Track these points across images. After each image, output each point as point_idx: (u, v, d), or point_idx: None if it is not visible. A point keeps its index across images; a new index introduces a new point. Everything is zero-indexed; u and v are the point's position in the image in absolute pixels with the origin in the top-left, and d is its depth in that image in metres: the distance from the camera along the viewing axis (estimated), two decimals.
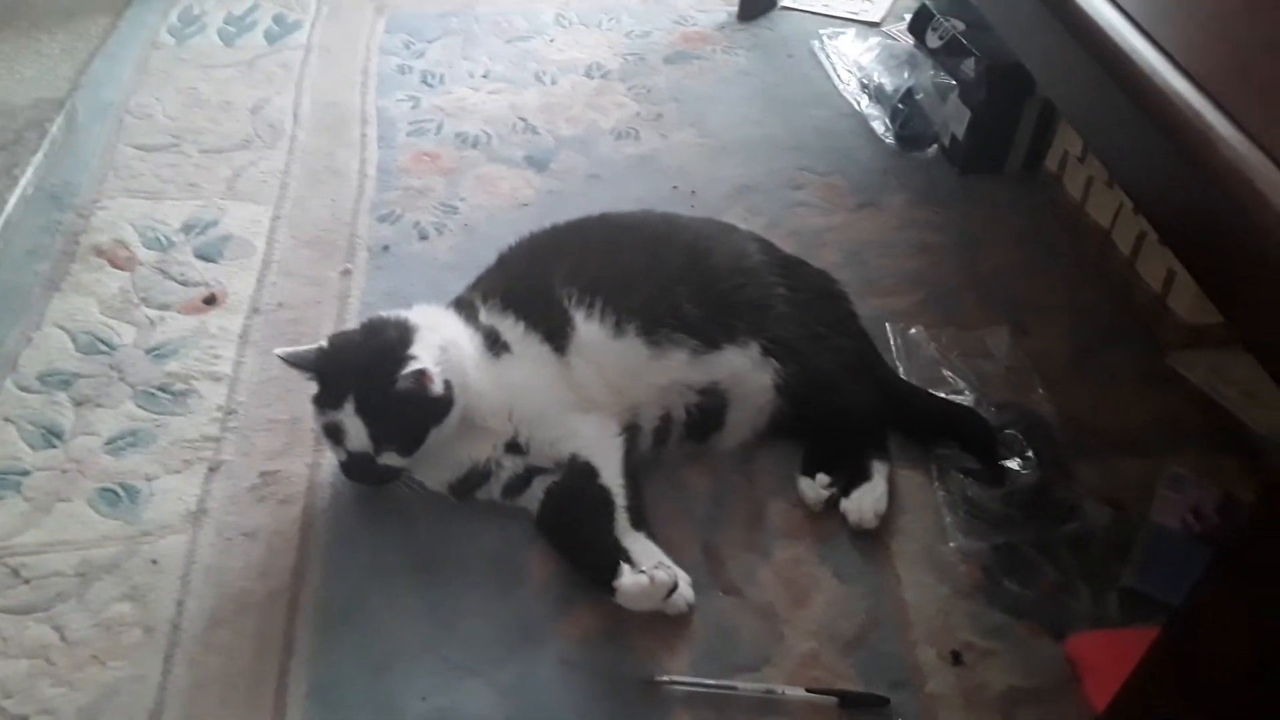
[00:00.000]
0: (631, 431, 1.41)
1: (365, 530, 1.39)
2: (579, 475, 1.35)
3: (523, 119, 2.21)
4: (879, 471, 1.40)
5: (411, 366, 1.28)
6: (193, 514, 1.40)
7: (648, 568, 1.25)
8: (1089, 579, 1.31)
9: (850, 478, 1.40)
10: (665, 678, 1.20)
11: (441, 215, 1.94)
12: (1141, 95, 0.97)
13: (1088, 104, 1.15)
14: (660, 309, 1.43)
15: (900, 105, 2.14)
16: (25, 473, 1.44)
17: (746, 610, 1.29)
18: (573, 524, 1.34)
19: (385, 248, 1.86)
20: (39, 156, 1.99)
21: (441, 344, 1.36)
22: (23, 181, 1.92)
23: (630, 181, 2.01)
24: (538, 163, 2.08)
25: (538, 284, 1.47)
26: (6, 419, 1.51)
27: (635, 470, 1.38)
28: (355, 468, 1.34)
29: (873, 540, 1.37)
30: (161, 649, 1.24)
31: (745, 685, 1.19)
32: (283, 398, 1.57)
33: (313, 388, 1.36)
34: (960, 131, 2.02)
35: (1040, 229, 1.92)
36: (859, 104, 2.23)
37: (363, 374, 1.31)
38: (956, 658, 1.24)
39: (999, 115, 1.98)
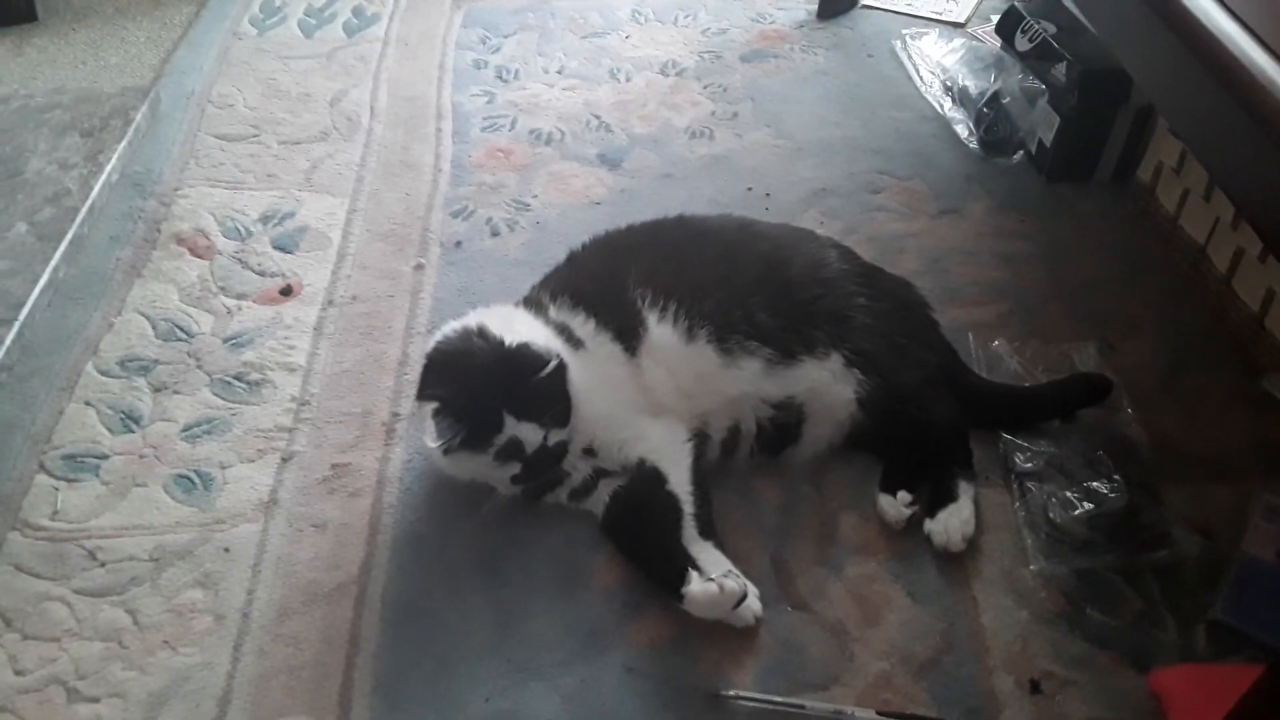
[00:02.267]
0: (699, 439, 1.39)
1: (432, 529, 1.39)
2: (647, 480, 1.33)
3: (596, 116, 2.19)
4: (965, 492, 1.36)
5: (540, 354, 1.28)
6: (265, 504, 1.41)
7: (717, 576, 1.22)
8: (1176, 610, 1.25)
9: (935, 497, 1.36)
10: (732, 692, 1.18)
11: (513, 212, 1.94)
12: (1255, 103, 0.92)
13: (1195, 111, 1.09)
14: (734, 316, 1.41)
15: (985, 109, 2.08)
16: (104, 456, 1.46)
17: (816, 626, 1.26)
18: (639, 529, 1.32)
19: (458, 243, 1.87)
20: (124, 144, 2.03)
21: (518, 326, 1.36)
22: (108, 168, 1.96)
23: (703, 182, 1.99)
24: (610, 161, 2.07)
25: (610, 283, 1.45)
26: (87, 402, 1.54)
27: (704, 478, 1.36)
28: (535, 467, 1.31)
29: (950, 560, 1.33)
30: (231, 637, 1.26)
31: (814, 704, 1.17)
32: (355, 391, 1.58)
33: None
34: (1048, 138, 1.96)
35: (1130, 241, 1.85)
36: (941, 107, 2.17)
37: (502, 391, 1.27)
38: (1035, 686, 1.20)
39: (1090, 122, 1.91)
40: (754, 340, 1.40)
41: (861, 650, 1.24)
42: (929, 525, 1.34)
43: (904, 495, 1.35)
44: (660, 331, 1.40)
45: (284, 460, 1.47)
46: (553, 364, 1.27)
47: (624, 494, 1.35)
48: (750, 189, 1.96)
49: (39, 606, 1.28)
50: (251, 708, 1.18)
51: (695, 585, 1.22)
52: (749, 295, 1.43)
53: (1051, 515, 1.34)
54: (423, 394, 1.34)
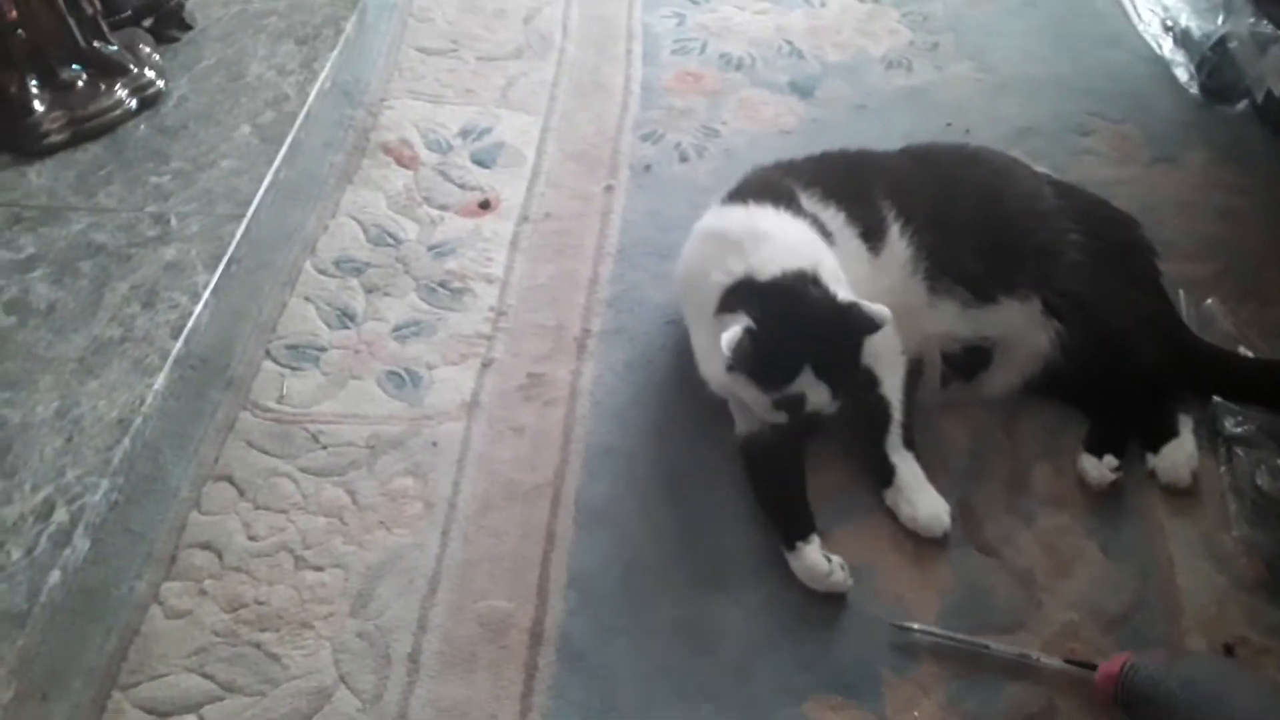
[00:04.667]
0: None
1: (621, 441, 1.45)
2: (860, 380, 1.33)
3: (789, 42, 2.16)
4: (1185, 426, 1.33)
5: (870, 318, 1.24)
6: (467, 405, 1.50)
7: (836, 562, 1.24)
8: None
9: (1155, 434, 1.34)
10: (916, 626, 1.20)
11: (702, 138, 1.95)
12: None
13: None
14: (946, 256, 1.40)
15: (1209, 53, 1.95)
16: (323, 349, 1.58)
17: (1003, 572, 1.27)
18: (781, 471, 1.35)
19: (647, 167, 1.89)
20: (335, 53, 2.12)
21: (830, 272, 1.30)
22: (321, 75, 2.05)
23: (899, 115, 1.95)
24: (802, 89, 2.04)
25: (859, 185, 1.45)
26: (307, 298, 1.65)
27: (913, 389, 1.37)
28: (803, 422, 1.29)
29: (1146, 519, 1.30)
30: (439, 524, 1.35)
31: (998, 646, 1.18)
32: (549, 305, 1.65)
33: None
34: (1279, 88, 1.82)
35: None
36: (1160, 47, 2.05)
37: (814, 347, 1.24)
38: (1229, 650, 1.18)
39: None
40: (958, 284, 1.39)
41: (1050, 599, 1.24)
42: (1152, 462, 1.32)
43: (1110, 459, 1.32)
44: (898, 246, 1.40)
45: (484, 366, 1.55)
46: (878, 329, 1.24)
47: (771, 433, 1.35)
48: (949, 124, 1.91)
49: (269, 480, 1.40)
50: (458, 588, 1.28)
51: (811, 551, 1.25)
52: (963, 235, 1.41)
53: (1259, 482, 1.29)
54: (746, 308, 1.25)
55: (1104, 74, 2.02)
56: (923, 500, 1.29)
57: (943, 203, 1.45)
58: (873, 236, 1.40)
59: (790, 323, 1.24)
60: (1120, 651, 1.15)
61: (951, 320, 1.39)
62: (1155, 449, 1.33)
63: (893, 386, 1.35)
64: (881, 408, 1.34)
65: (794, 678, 1.18)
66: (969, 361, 1.42)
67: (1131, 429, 1.37)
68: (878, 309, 1.24)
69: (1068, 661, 1.16)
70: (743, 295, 1.28)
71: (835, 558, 1.25)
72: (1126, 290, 1.42)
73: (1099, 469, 1.33)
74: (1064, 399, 1.42)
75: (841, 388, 1.26)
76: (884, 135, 1.85)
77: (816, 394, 1.25)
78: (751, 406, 1.31)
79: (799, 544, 1.25)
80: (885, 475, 1.32)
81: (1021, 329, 1.39)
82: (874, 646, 1.20)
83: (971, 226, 1.42)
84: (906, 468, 1.32)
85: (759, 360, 1.22)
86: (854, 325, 1.25)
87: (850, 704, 1.15)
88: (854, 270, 1.36)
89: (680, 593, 1.27)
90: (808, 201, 1.42)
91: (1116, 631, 1.21)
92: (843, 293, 1.26)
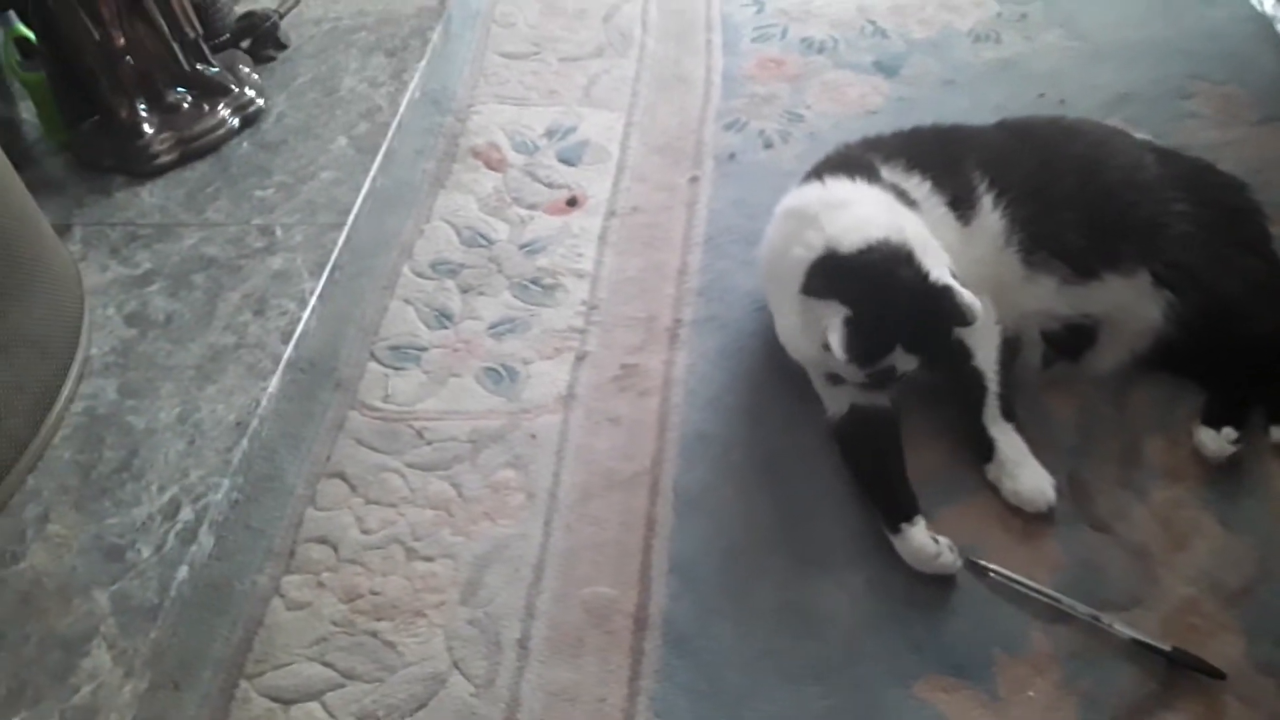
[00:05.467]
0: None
1: (716, 428, 1.46)
2: (953, 352, 1.31)
3: (871, 22, 2.14)
4: None
5: (963, 304, 1.22)
6: (564, 397, 1.52)
7: (944, 543, 1.22)
8: None
9: (1278, 406, 1.29)
10: (993, 568, 1.20)
11: (786, 123, 1.94)
12: None
13: None
14: (1044, 231, 1.36)
15: None
16: (423, 349, 1.62)
17: (1117, 548, 1.23)
18: (879, 451, 1.33)
19: (731, 155, 1.89)
20: (423, 63, 2.18)
21: (917, 238, 1.28)
22: (411, 85, 2.11)
23: (990, 88, 1.90)
24: (887, 68, 2.02)
25: (948, 157, 1.43)
26: (406, 300, 1.70)
27: (1009, 360, 1.35)
28: (884, 383, 1.30)
29: (1266, 490, 1.25)
30: (541, 514, 1.38)
31: (1070, 602, 1.17)
32: (639, 297, 1.66)
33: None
34: None
35: None
36: (1261, 4, 1.96)
37: (909, 326, 1.24)
38: None
39: None
40: (1056, 258, 1.35)
41: (1166, 574, 1.20)
42: (1277, 434, 1.28)
43: (1230, 431, 1.28)
44: (991, 218, 1.38)
45: (578, 359, 1.58)
46: (972, 313, 1.21)
47: (864, 412, 1.35)
48: (1043, 95, 1.86)
49: (378, 476, 1.45)
50: (563, 576, 1.30)
51: (918, 533, 1.23)
52: (1062, 209, 1.38)
53: None
54: (838, 293, 1.24)
55: (1203, 34, 1.94)
56: (1025, 473, 1.27)
57: (1040, 176, 1.41)
58: (962, 205, 1.38)
59: (884, 306, 1.23)
60: (1241, 626, 1.10)
61: (1050, 297, 1.36)
62: (1279, 420, 1.27)
63: (987, 358, 1.32)
64: (977, 380, 1.32)
65: (903, 659, 1.17)
66: (1073, 340, 1.38)
67: (1252, 399, 1.31)
68: (970, 300, 1.21)
69: (1139, 642, 1.12)
70: (830, 275, 1.27)
71: (943, 539, 1.23)
72: (1239, 257, 1.36)
73: (1218, 441, 1.28)
74: (1176, 371, 1.38)
75: (932, 358, 1.26)
76: (974, 110, 1.82)
77: (907, 364, 1.26)
78: (839, 371, 1.31)
79: (904, 526, 1.24)
80: (985, 450, 1.30)
81: (1129, 304, 1.35)
82: (985, 626, 1.19)
83: (1071, 200, 1.38)
84: (1007, 440, 1.30)
85: (860, 344, 1.22)
86: (946, 311, 1.23)
87: (962, 684, 1.14)
88: (943, 237, 1.33)
89: (782, 576, 1.27)
90: (889, 172, 1.41)
91: (1239, 605, 1.16)
92: (935, 270, 1.24)
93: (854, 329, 1.21)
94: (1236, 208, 1.42)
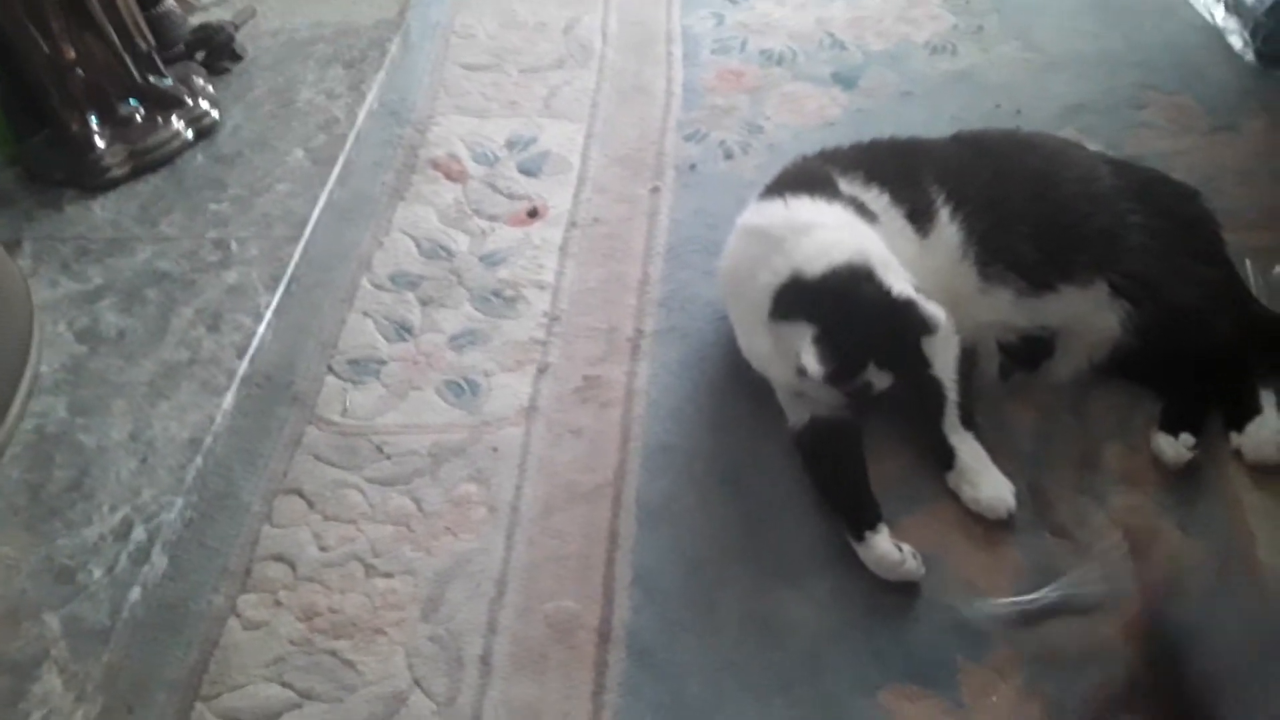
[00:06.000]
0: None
1: (679, 439, 1.45)
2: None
3: (829, 34, 2.15)
4: (1269, 401, 1.29)
5: (927, 318, 1.23)
6: (525, 410, 1.51)
7: (907, 550, 1.22)
8: None
9: (1237, 412, 1.30)
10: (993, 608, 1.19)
11: (746, 134, 1.95)
12: None
13: None
14: (999, 243, 1.37)
15: (1263, 18, 1.89)
16: (383, 362, 1.60)
17: (1077, 554, 1.24)
18: (840, 460, 1.33)
19: (692, 166, 1.89)
20: (381, 74, 2.16)
21: (879, 258, 1.30)
22: (369, 97, 2.09)
23: (947, 99, 1.93)
24: (845, 80, 2.03)
25: (905, 169, 1.43)
26: (365, 313, 1.68)
27: (968, 370, 1.35)
28: (873, 399, 1.30)
29: (1223, 494, 1.27)
30: (503, 528, 1.36)
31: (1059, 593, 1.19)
32: (601, 308, 1.65)
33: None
34: None
35: None
36: (1212, 16, 2.00)
37: (878, 343, 1.25)
38: None
39: None
40: (1011, 271, 1.36)
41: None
42: (1237, 440, 1.29)
43: (1187, 438, 1.29)
44: (948, 230, 1.39)
45: (540, 371, 1.57)
46: (939, 329, 1.24)
47: (825, 423, 1.35)
48: (999, 106, 1.88)
49: (337, 492, 1.42)
50: (525, 591, 1.29)
51: (881, 540, 1.23)
52: (1017, 221, 1.39)
53: None
54: (809, 315, 1.26)
55: (1156, 46, 1.97)
56: (985, 480, 1.28)
57: (995, 189, 1.42)
58: (920, 217, 1.39)
59: (851, 326, 1.24)
60: None
61: (1006, 309, 1.37)
62: (1239, 427, 1.29)
63: (946, 367, 1.32)
64: (936, 388, 1.32)
65: (868, 668, 1.17)
66: (1030, 351, 1.39)
67: (1209, 406, 1.33)
68: (934, 311, 1.23)
69: None
70: (797, 299, 1.28)
71: (906, 546, 1.23)
72: (1194, 266, 1.38)
73: (1175, 448, 1.30)
74: (1134, 378, 1.39)
75: (904, 372, 1.27)
76: (931, 121, 1.84)
77: (881, 380, 1.27)
78: (812, 395, 1.32)
79: (867, 534, 1.24)
80: (946, 458, 1.31)
81: (1085, 315, 1.37)
82: (948, 633, 1.19)
83: (1025, 213, 1.40)
84: (967, 448, 1.30)
85: (832, 362, 1.23)
86: (910, 323, 1.24)
87: (927, 693, 1.14)
88: (901, 250, 1.34)
89: (746, 587, 1.27)
90: (847, 186, 1.41)
91: None
92: (897, 285, 1.25)
93: (824, 346, 1.22)
94: (1190, 217, 1.44)
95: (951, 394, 1.32)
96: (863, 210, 1.38)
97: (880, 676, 1.16)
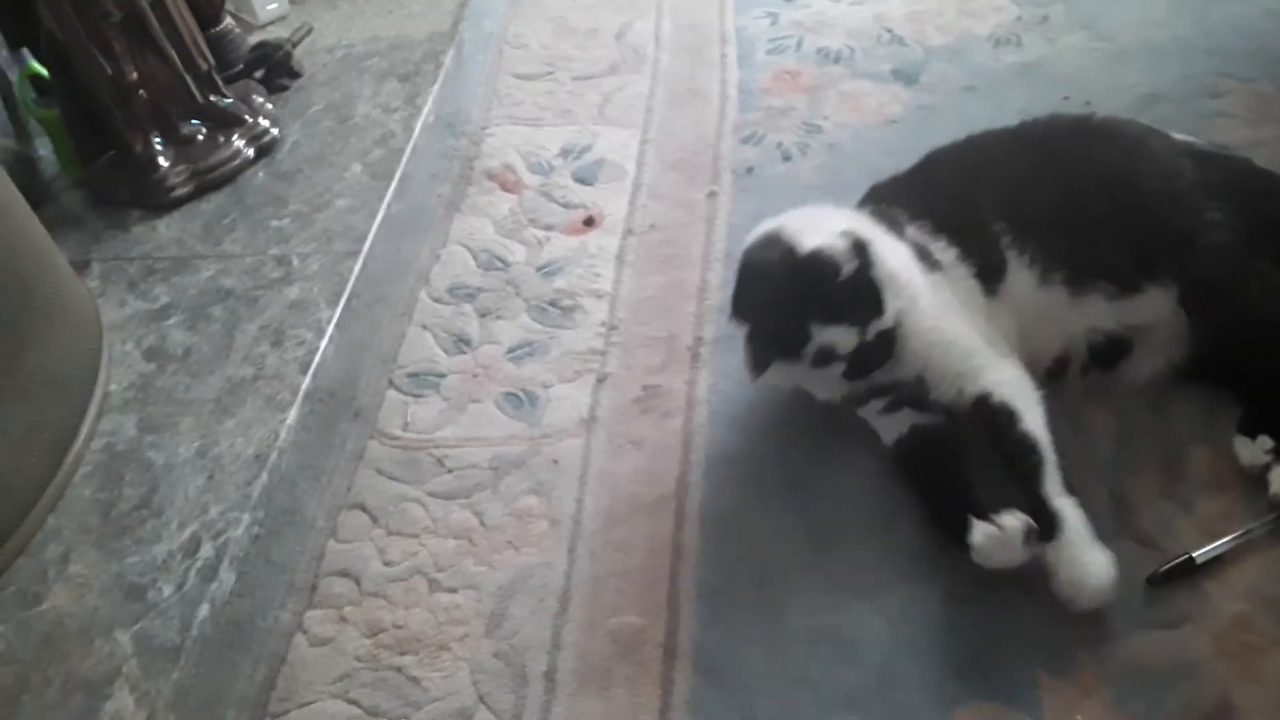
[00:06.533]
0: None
1: (742, 448, 1.43)
2: (995, 417, 1.24)
3: (888, 30, 2.11)
4: None
5: (833, 258, 1.25)
6: (585, 421, 1.50)
7: (999, 518, 1.12)
8: None
9: None
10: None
11: (804, 135, 1.91)
12: None
13: None
14: (1086, 257, 1.32)
15: None
16: (442, 375, 1.60)
17: (1161, 563, 1.18)
18: (938, 470, 1.28)
19: (749, 169, 1.87)
20: (436, 87, 2.17)
21: (835, 228, 1.30)
22: (424, 110, 2.10)
23: (1012, 92, 1.87)
24: (906, 76, 1.99)
25: (970, 212, 1.37)
26: (424, 326, 1.69)
27: (1058, 376, 1.31)
28: (861, 362, 1.29)
29: None
30: (565, 540, 1.35)
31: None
32: (659, 316, 1.64)
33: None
34: None
35: None
36: None
37: (802, 302, 1.26)
38: None
39: None
40: (1102, 279, 1.31)
41: (1216, 589, 1.15)
42: (1273, 471, 1.21)
43: (1265, 440, 1.23)
44: (1019, 276, 1.33)
45: (599, 381, 1.55)
46: (848, 269, 1.24)
47: (927, 432, 1.31)
48: (1067, 98, 1.82)
49: (399, 506, 1.42)
50: (589, 605, 1.27)
51: (978, 531, 1.14)
52: (1099, 227, 1.33)
53: None
54: (733, 315, 1.36)
55: (1231, 32, 1.90)
56: (1092, 562, 1.13)
57: (1068, 200, 1.35)
58: (989, 275, 1.34)
59: (770, 298, 1.28)
60: None
61: (1099, 314, 1.32)
62: None
63: (1035, 422, 1.22)
64: (1029, 446, 1.20)
65: (944, 685, 1.13)
66: (1110, 351, 1.34)
67: None
68: (836, 252, 1.25)
69: None
70: (733, 297, 1.36)
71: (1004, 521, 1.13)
72: (1272, 271, 1.30)
73: (1252, 450, 1.24)
74: (1215, 381, 1.33)
75: (866, 317, 1.26)
76: (996, 115, 1.75)
77: (840, 336, 1.26)
78: (814, 384, 1.36)
79: (970, 539, 1.14)
80: (1048, 527, 1.15)
81: (1165, 316, 1.31)
82: (1028, 649, 1.14)
83: (1104, 218, 1.33)
84: (1074, 520, 1.15)
85: (772, 348, 1.28)
86: (822, 269, 1.25)
87: (1007, 710, 1.10)
88: (970, 302, 1.33)
89: (814, 601, 1.24)
90: (916, 232, 1.37)
91: None
92: (804, 237, 1.27)
93: (756, 338, 1.27)
94: (1277, 215, 1.36)
95: (1050, 453, 1.20)
96: (929, 259, 1.34)
97: (957, 694, 1.11)
